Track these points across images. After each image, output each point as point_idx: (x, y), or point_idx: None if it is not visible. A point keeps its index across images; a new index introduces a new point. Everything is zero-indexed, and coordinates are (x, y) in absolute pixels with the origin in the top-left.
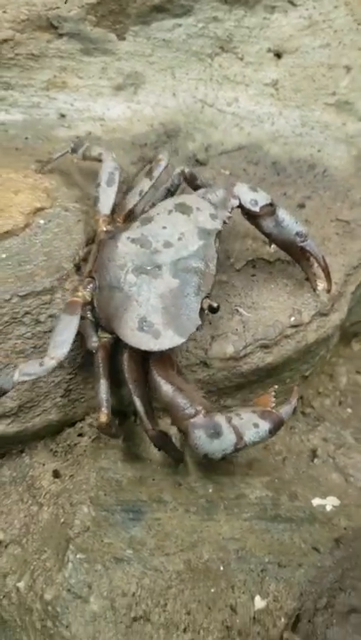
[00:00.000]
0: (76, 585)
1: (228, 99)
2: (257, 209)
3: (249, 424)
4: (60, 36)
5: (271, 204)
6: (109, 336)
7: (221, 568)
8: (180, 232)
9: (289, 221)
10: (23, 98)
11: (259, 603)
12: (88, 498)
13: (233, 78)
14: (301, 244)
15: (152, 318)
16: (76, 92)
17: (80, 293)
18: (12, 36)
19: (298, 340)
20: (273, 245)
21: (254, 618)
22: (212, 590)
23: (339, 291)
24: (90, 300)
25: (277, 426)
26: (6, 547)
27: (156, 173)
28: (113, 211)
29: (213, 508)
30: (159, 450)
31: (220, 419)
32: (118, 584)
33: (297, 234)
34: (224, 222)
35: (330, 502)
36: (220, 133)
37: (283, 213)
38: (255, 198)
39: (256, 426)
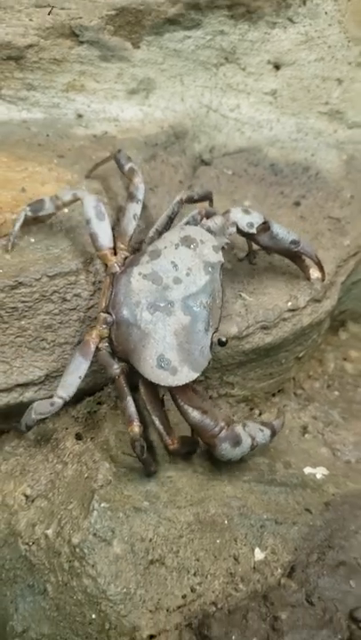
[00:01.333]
0: (100, 530)
1: (231, 105)
2: (254, 230)
3: (256, 429)
4: (81, 43)
5: (265, 222)
6: (126, 364)
7: (226, 522)
8: (187, 267)
9: (283, 234)
10: (45, 98)
11: (258, 554)
12: (109, 456)
13: (236, 87)
14: (296, 250)
15: (169, 356)
16: (93, 95)
17: (97, 331)
18: (37, 42)
19: (294, 322)
20: None
21: (254, 567)
22: (218, 541)
23: (330, 280)
24: (107, 334)
25: (274, 433)
26: (33, 501)
27: (140, 196)
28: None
29: (217, 470)
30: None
31: (238, 429)
32: (137, 530)
33: (291, 242)
34: (223, 248)
35: (320, 472)
36: (223, 136)
37: (276, 228)
38: (251, 221)
39: (261, 430)
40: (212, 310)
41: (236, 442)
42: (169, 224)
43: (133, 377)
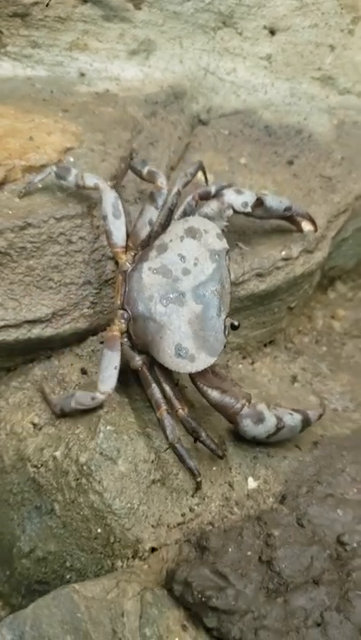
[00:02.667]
0: (107, 449)
1: (228, 69)
2: (249, 209)
3: (285, 412)
4: (85, 2)
5: (258, 199)
6: (146, 355)
7: (220, 453)
8: (194, 257)
9: (276, 204)
10: (49, 56)
11: (251, 483)
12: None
13: (232, 51)
14: (287, 213)
15: (186, 344)
16: (95, 54)
17: (116, 326)
18: None
19: (287, 271)
20: (267, 192)
21: (248, 495)
22: (214, 468)
23: (322, 234)
24: (126, 329)
25: (306, 419)
26: (41, 429)
27: (160, 202)
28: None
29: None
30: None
31: (261, 407)
32: (140, 452)
33: (285, 210)
34: (223, 230)
35: None
36: (220, 98)
37: (269, 201)
38: (245, 200)
39: (291, 414)
40: (222, 296)
41: (259, 419)
42: (170, 216)
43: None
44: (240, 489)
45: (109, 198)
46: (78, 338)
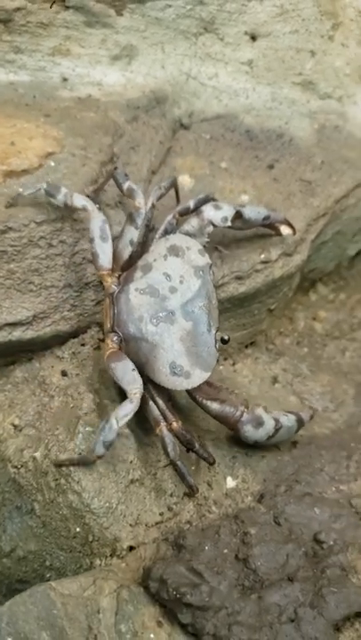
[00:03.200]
0: (85, 450)
1: (210, 74)
2: (229, 223)
3: (280, 414)
4: (67, 8)
5: (237, 212)
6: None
7: (200, 452)
8: (179, 275)
9: (255, 215)
10: (31, 61)
11: (230, 482)
12: (93, 389)
13: (214, 56)
14: (266, 222)
15: (180, 362)
16: (78, 60)
17: (111, 345)
18: (25, 6)
19: (266, 274)
20: (247, 197)
21: (226, 494)
22: (193, 468)
23: (301, 237)
24: (119, 349)
25: (300, 420)
26: (21, 430)
27: (139, 221)
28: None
29: (193, 409)
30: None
31: (259, 411)
32: (119, 452)
33: (264, 219)
34: (204, 246)
35: None
36: (201, 103)
37: (248, 213)
38: (224, 215)
39: (286, 415)
40: (210, 311)
41: (259, 423)
42: (148, 233)
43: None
44: (218, 488)
45: (97, 221)
46: (59, 340)
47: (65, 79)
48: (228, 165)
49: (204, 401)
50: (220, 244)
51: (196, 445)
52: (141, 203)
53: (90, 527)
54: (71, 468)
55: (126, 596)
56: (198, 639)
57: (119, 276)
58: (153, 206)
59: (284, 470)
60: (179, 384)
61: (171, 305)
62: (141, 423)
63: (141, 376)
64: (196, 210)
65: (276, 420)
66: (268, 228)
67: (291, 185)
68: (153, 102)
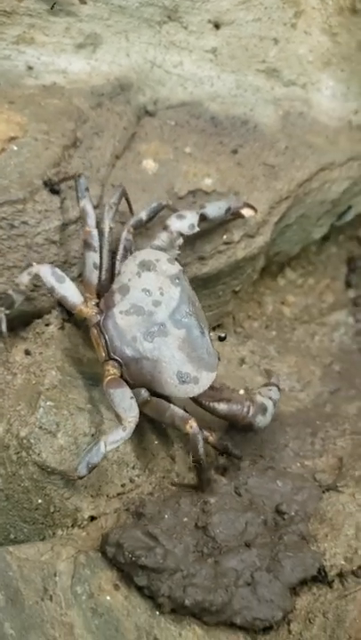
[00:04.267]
0: (46, 423)
1: (174, 62)
2: (197, 228)
3: (266, 391)
4: None
5: (201, 215)
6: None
7: (164, 426)
8: (158, 288)
9: (217, 212)
10: None
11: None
12: (55, 367)
13: (178, 44)
14: (232, 212)
15: (185, 369)
16: (42, 48)
17: (113, 371)
18: None
19: (229, 255)
20: (211, 180)
21: (190, 468)
22: (156, 442)
23: (264, 219)
24: (120, 374)
25: (278, 387)
26: None
27: (95, 243)
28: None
29: None
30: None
31: (259, 398)
32: (80, 427)
33: (226, 211)
34: (176, 259)
35: None
36: (166, 90)
37: (211, 212)
38: (191, 223)
39: (270, 389)
40: (197, 314)
41: (264, 409)
42: (113, 257)
43: None
44: (182, 462)
45: (46, 272)
46: (23, 321)
47: (30, 67)
48: (193, 150)
49: (211, 404)
50: None
51: (229, 446)
52: (92, 225)
53: (51, 498)
54: (32, 440)
55: (83, 560)
56: (154, 601)
57: (97, 303)
58: (111, 229)
59: (249, 445)
60: (190, 390)
61: (159, 318)
62: (104, 400)
63: (150, 393)
64: (150, 220)
65: (271, 398)
66: (233, 217)
67: (254, 169)
68: (117, 89)
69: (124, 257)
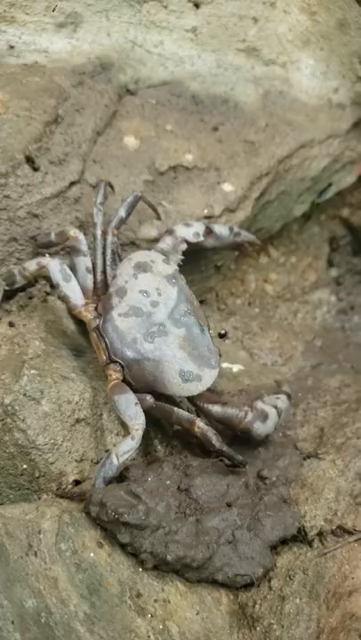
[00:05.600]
0: (30, 390)
1: (155, 41)
2: (201, 238)
3: (273, 399)
4: None
5: (207, 227)
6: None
7: None
8: (155, 288)
9: (223, 230)
10: None
11: (177, 426)
12: (39, 337)
13: (159, 24)
14: (237, 239)
15: (188, 367)
16: (23, 27)
17: (114, 376)
18: None
19: None
20: (191, 156)
21: (173, 435)
22: None
23: (244, 194)
24: (122, 379)
25: (289, 396)
26: None
27: (83, 247)
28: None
29: None
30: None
31: (260, 404)
32: (64, 394)
33: (230, 231)
34: (178, 265)
35: (236, 367)
36: (147, 70)
37: (217, 228)
38: (196, 231)
39: (278, 398)
40: (196, 313)
41: (265, 416)
42: (112, 258)
43: None
44: (165, 430)
45: (55, 267)
46: (6, 293)
47: (11, 47)
48: (174, 128)
49: (207, 405)
50: (164, 199)
51: (221, 444)
52: (76, 232)
53: (36, 463)
54: (16, 407)
55: (67, 519)
56: (137, 558)
57: (95, 307)
58: (105, 232)
59: None
60: (194, 388)
61: (158, 318)
62: (87, 369)
63: (153, 394)
64: (129, 216)
65: (275, 407)
66: (240, 249)
67: (235, 146)
68: (99, 68)
69: (113, 260)
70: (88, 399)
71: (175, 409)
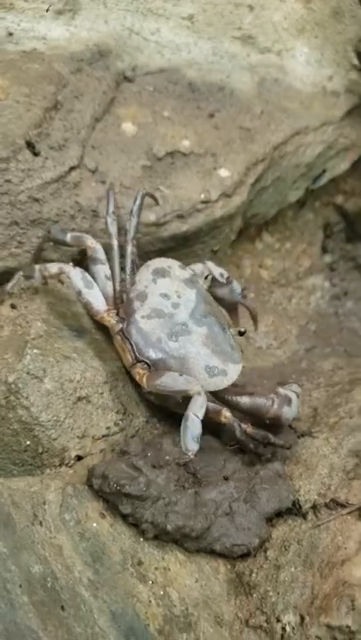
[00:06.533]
0: (33, 369)
1: (152, 29)
2: (224, 280)
3: (287, 385)
4: None
5: (228, 277)
6: None
7: None
8: (175, 292)
9: (237, 287)
10: None
11: None
12: (41, 318)
13: (156, 11)
14: (242, 301)
15: (213, 363)
16: (22, 14)
17: (143, 372)
18: None
19: (207, 213)
20: (188, 142)
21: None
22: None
23: (241, 179)
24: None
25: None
26: None
27: (101, 256)
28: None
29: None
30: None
31: (282, 390)
32: (66, 373)
33: (241, 292)
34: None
35: None
36: (145, 57)
37: (236, 284)
38: (222, 272)
39: (290, 385)
40: (215, 313)
41: (288, 400)
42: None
43: None
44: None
45: (77, 275)
46: (8, 277)
47: (10, 34)
48: (171, 114)
49: (235, 398)
50: (162, 184)
51: (270, 436)
52: (93, 242)
53: (39, 439)
54: (20, 385)
55: (71, 491)
56: (138, 528)
57: (117, 312)
58: (134, 239)
59: None
60: (220, 382)
61: (180, 318)
62: (88, 350)
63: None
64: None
65: (293, 391)
66: (232, 312)
67: (231, 132)
68: (97, 55)
69: (132, 269)
70: (89, 378)
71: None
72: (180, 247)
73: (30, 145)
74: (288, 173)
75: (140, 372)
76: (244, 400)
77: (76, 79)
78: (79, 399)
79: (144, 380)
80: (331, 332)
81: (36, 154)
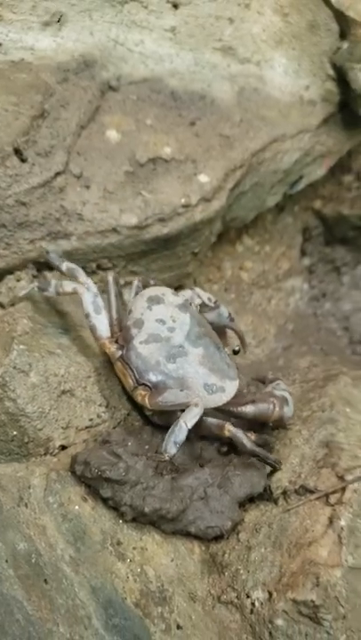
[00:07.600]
0: (20, 363)
1: (136, 40)
2: (212, 304)
3: (275, 385)
4: None
5: (216, 301)
6: None
7: None
8: (170, 317)
9: (224, 311)
10: None
11: None
12: (27, 316)
13: (140, 23)
14: (230, 324)
15: (211, 380)
16: (10, 25)
17: (144, 393)
18: None
19: (187, 217)
20: (170, 149)
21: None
22: (121, 384)
23: (220, 185)
24: None
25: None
26: None
27: (94, 291)
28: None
29: None
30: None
31: (278, 392)
32: (51, 368)
33: (229, 316)
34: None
35: None
36: (129, 67)
37: (223, 308)
38: (210, 297)
39: (278, 384)
40: (209, 334)
41: (285, 400)
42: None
43: None
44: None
45: (89, 297)
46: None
47: None
48: (153, 122)
49: (238, 409)
50: (143, 189)
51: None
52: (85, 279)
53: (25, 429)
54: (7, 378)
55: (55, 477)
56: (118, 511)
57: (116, 340)
58: (114, 277)
59: None
60: (219, 399)
61: (177, 341)
62: (72, 346)
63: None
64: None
65: (284, 390)
66: (223, 333)
67: (211, 139)
68: (82, 66)
69: (115, 301)
70: (73, 372)
71: (202, 418)
72: (162, 249)
73: (18, 151)
74: (266, 179)
75: (141, 394)
76: (249, 409)
77: (62, 88)
78: (63, 392)
79: (146, 400)
80: (308, 332)
81: (23, 160)
